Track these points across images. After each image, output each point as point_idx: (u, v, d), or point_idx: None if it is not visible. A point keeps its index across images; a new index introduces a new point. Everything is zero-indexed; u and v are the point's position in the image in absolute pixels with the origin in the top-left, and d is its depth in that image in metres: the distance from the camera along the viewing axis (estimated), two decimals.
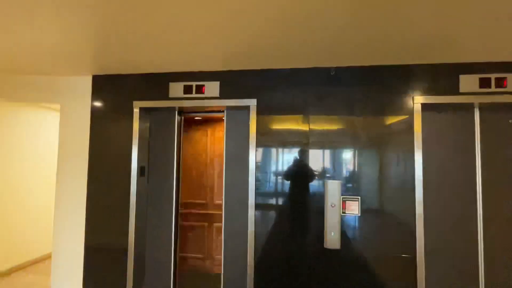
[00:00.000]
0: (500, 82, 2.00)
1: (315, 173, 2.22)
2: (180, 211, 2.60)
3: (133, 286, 2.35)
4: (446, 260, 2.11)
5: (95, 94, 2.49)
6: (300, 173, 2.25)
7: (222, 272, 2.34)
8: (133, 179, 2.38)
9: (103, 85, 2.49)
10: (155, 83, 2.42)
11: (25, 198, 3.89)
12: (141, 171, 2.45)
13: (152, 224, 2.51)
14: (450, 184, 2.15)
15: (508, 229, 2.08)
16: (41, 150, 4.16)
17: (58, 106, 2.62)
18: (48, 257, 4.02)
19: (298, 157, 2.26)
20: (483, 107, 2.12)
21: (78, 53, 2.02)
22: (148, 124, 2.55)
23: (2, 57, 2.11)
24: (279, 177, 2.28)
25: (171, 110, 2.50)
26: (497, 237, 2.09)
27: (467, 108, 2.14)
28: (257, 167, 2.27)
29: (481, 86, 2.02)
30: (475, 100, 2.04)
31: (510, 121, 2.11)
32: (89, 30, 1.65)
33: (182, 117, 2.62)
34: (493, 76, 2.01)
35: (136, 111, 2.41)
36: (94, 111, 2.48)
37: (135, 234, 2.36)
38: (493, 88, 2.01)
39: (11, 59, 2.15)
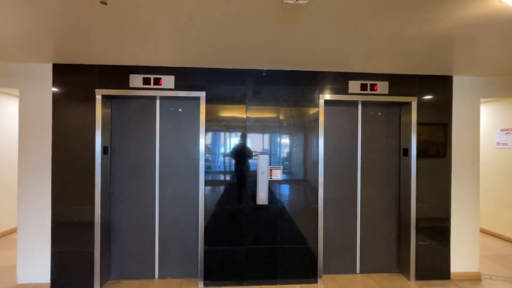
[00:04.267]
0: (373, 87, 2.96)
1: (252, 152, 2.94)
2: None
3: (100, 252, 2.78)
4: (336, 207, 3.11)
5: (56, 81, 2.74)
6: (239, 152, 2.94)
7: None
8: (97, 158, 2.77)
9: (64, 73, 2.75)
10: (115, 74, 2.79)
11: None
12: (104, 150, 2.84)
13: (117, 197, 2.96)
14: (341, 157, 3.12)
15: (375, 185, 3.16)
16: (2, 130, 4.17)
17: (16, 91, 2.78)
18: (3, 234, 4.10)
19: (239, 140, 2.94)
20: (363, 104, 3.11)
21: (36, 43, 2.23)
22: (109, 110, 2.92)
23: None
24: (225, 156, 2.94)
25: (131, 97, 2.92)
26: (369, 190, 3.15)
27: (353, 104, 3.11)
28: (206, 147, 2.89)
29: (361, 89, 2.96)
30: (358, 98, 2.98)
31: (379, 113, 3.14)
32: (45, 23, 1.84)
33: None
34: (368, 82, 2.96)
35: (98, 97, 2.76)
36: (55, 97, 2.74)
37: (101, 204, 2.78)
38: (369, 91, 2.96)
39: None
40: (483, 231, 4.63)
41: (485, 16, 1.69)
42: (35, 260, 2.74)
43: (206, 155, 2.89)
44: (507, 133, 4.22)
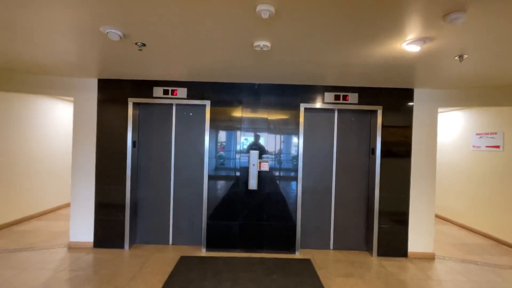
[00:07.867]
0: (345, 97, 3.63)
1: (246, 147, 3.71)
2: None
3: (129, 222, 3.68)
4: (314, 195, 3.82)
5: (100, 92, 3.67)
6: (236, 147, 3.73)
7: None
8: (128, 150, 3.67)
9: (106, 85, 3.67)
10: (143, 86, 3.67)
11: (43, 164, 5.07)
12: (133, 144, 3.74)
13: (142, 180, 3.86)
14: (318, 155, 3.82)
15: (348, 178, 3.83)
16: (57, 129, 5.38)
17: (71, 98, 3.73)
18: (53, 210, 5.18)
19: (236, 137, 3.72)
20: (338, 111, 3.79)
21: (88, 65, 3.13)
22: (137, 112, 3.82)
23: (33, 63, 3.17)
24: (224, 150, 3.74)
25: (154, 104, 3.80)
26: (342, 182, 3.83)
27: (330, 111, 3.80)
28: (209, 142, 3.71)
29: (335, 99, 3.64)
30: (333, 107, 3.66)
31: (352, 119, 3.81)
32: (96, 54, 2.77)
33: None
34: (341, 94, 3.64)
35: (130, 104, 3.66)
36: (99, 103, 3.67)
37: (130, 185, 3.68)
38: (341, 101, 3.64)
39: (39, 64, 3.21)
40: (459, 225, 5.12)
41: (397, 54, 2.35)
42: (83, 224, 3.69)
43: (210, 150, 3.70)
44: (481, 137, 4.70)
